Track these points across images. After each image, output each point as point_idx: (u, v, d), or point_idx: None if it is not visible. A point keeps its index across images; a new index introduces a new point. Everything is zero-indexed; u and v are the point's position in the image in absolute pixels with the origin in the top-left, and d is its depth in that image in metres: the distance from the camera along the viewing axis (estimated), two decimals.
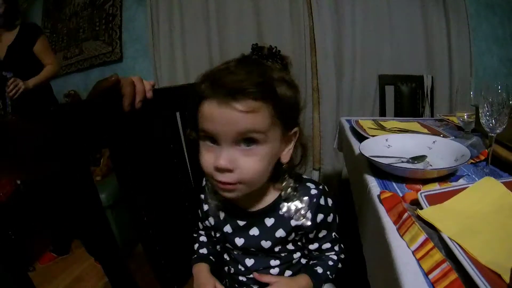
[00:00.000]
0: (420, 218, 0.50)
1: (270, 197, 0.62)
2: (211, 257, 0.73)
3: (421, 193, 0.56)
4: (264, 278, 0.64)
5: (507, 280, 0.36)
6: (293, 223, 0.60)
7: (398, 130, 1.06)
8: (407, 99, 1.67)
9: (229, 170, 0.51)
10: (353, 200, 0.86)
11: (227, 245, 0.67)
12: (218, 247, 0.72)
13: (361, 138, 0.95)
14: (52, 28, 2.51)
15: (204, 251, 0.74)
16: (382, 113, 1.71)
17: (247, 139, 0.51)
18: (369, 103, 1.93)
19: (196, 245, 0.75)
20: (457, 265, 0.40)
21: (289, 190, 0.60)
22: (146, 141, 0.69)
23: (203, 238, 0.76)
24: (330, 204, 0.63)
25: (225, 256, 0.70)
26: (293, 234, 0.62)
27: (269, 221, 0.61)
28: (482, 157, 0.77)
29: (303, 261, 0.68)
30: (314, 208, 0.60)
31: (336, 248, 0.68)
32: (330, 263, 0.67)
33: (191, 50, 2.08)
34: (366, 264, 0.63)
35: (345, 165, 1.31)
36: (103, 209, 0.60)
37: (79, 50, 2.41)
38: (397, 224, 0.51)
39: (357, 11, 1.83)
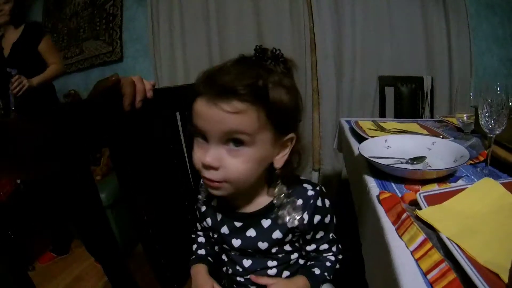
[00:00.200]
0: (419, 219, 0.50)
1: (265, 199, 0.62)
2: (209, 258, 0.73)
3: (420, 194, 0.56)
4: (261, 280, 0.64)
5: (506, 280, 0.36)
6: (289, 224, 0.60)
7: (397, 131, 1.06)
8: (407, 100, 1.68)
9: (214, 168, 0.52)
10: (353, 201, 0.87)
11: (225, 246, 0.67)
12: (216, 247, 0.72)
13: (360, 139, 0.95)
14: (53, 28, 2.51)
15: (202, 251, 0.74)
16: (382, 114, 1.71)
17: (234, 140, 0.51)
18: (369, 104, 1.93)
19: (194, 246, 0.75)
20: (455, 265, 0.40)
21: (281, 196, 0.59)
22: (146, 141, 0.69)
23: (201, 239, 0.76)
24: (327, 205, 0.62)
25: (223, 256, 0.70)
26: (290, 235, 0.62)
27: (266, 223, 0.61)
28: (481, 158, 0.77)
29: (301, 261, 0.68)
30: (311, 209, 0.60)
31: (334, 248, 0.68)
32: (328, 264, 0.67)
33: (191, 50, 2.09)
34: (364, 264, 0.63)
35: (344, 166, 1.31)
36: (104, 209, 0.60)
37: (80, 50, 2.42)
38: (396, 224, 0.52)
39: (357, 11, 1.84)
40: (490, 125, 0.68)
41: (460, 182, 0.68)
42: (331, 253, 0.68)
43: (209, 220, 0.68)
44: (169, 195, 0.76)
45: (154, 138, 0.72)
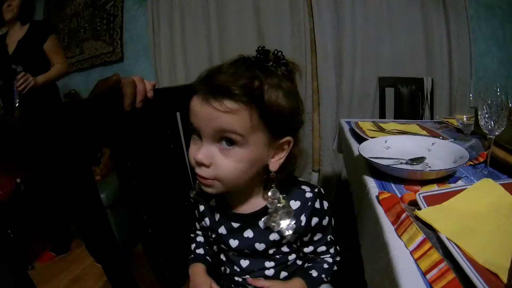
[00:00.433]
0: (418, 219, 0.51)
1: (262, 201, 0.61)
2: (207, 258, 0.73)
3: (419, 194, 0.56)
4: (258, 283, 0.64)
5: (505, 280, 0.36)
6: (280, 233, 0.60)
7: (397, 132, 1.06)
8: (407, 101, 1.68)
9: (206, 165, 0.53)
10: (353, 201, 0.87)
11: (222, 246, 0.67)
12: (214, 247, 0.73)
13: (360, 139, 0.96)
14: (53, 28, 2.51)
15: (201, 251, 0.74)
16: (382, 115, 1.71)
17: (226, 139, 0.51)
18: (369, 105, 1.94)
19: (193, 245, 0.76)
20: (454, 265, 0.40)
21: (274, 201, 0.58)
22: (147, 140, 0.69)
23: (200, 238, 0.76)
24: (326, 207, 0.62)
25: (222, 256, 0.70)
26: (287, 237, 0.62)
27: (263, 224, 0.61)
28: (481, 159, 0.78)
29: (299, 262, 0.68)
30: (309, 211, 0.59)
31: (332, 250, 0.68)
32: (325, 266, 0.67)
33: (191, 50, 2.09)
34: (364, 264, 0.63)
35: (344, 167, 1.31)
36: (104, 209, 0.60)
37: (80, 50, 2.42)
38: (395, 224, 0.52)
39: (358, 12, 1.84)
40: (489, 126, 0.68)
41: (459, 182, 0.68)
42: (328, 255, 0.68)
43: (207, 220, 0.68)
44: (169, 194, 0.76)
45: (154, 138, 0.72)
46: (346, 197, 1.00)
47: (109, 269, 0.57)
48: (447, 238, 0.44)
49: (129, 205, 0.66)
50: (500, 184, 0.58)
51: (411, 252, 0.45)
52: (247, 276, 0.66)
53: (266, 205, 0.60)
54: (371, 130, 1.08)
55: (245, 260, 0.65)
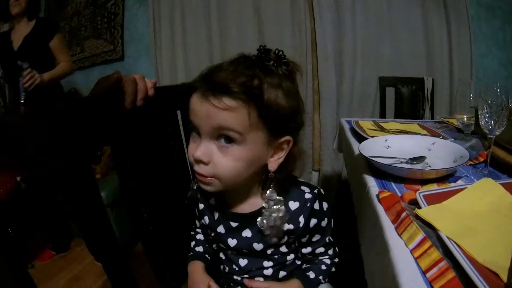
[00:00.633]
0: (418, 217, 0.51)
1: (260, 201, 0.61)
2: (206, 256, 0.73)
3: (419, 193, 0.56)
4: (254, 284, 0.64)
5: (505, 279, 0.36)
6: (285, 227, 0.59)
7: (397, 131, 1.06)
8: (407, 101, 1.68)
9: (204, 163, 0.53)
10: (353, 201, 0.87)
11: (221, 245, 0.67)
12: (214, 245, 0.73)
13: (361, 138, 0.96)
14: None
15: (200, 249, 0.74)
16: (382, 115, 1.71)
17: (225, 136, 0.51)
18: (369, 104, 1.94)
19: (193, 243, 0.76)
20: (454, 264, 0.40)
21: (271, 202, 0.58)
22: (147, 138, 0.69)
23: (200, 236, 0.76)
24: (325, 209, 0.62)
25: (221, 255, 0.70)
26: (286, 238, 0.62)
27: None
28: (481, 159, 0.78)
29: (298, 262, 0.68)
30: (307, 212, 0.59)
31: (330, 252, 0.68)
32: (323, 267, 0.67)
33: (192, 50, 2.09)
34: (364, 263, 0.63)
35: (344, 166, 1.31)
36: (105, 207, 0.60)
37: (81, 48, 2.42)
38: (395, 223, 0.52)
39: (358, 13, 1.84)
40: (490, 126, 0.68)
41: (459, 182, 0.68)
42: (327, 257, 0.68)
43: (206, 219, 0.68)
44: (169, 193, 0.76)
45: (155, 136, 0.72)
46: (346, 197, 1.00)
47: (109, 268, 0.57)
48: (447, 237, 0.44)
49: (130, 203, 0.66)
50: (500, 183, 0.58)
51: (411, 251, 0.45)
52: (246, 275, 0.66)
53: (262, 206, 0.60)
54: (372, 129, 1.08)
55: (243, 259, 0.66)
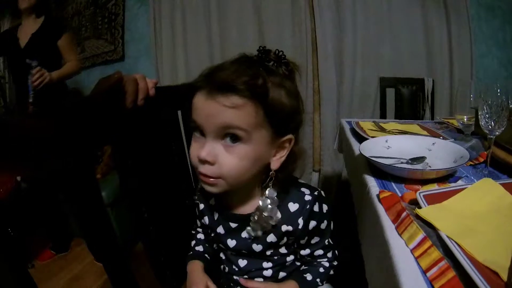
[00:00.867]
0: (418, 217, 0.51)
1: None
2: (206, 255, 0.73)
3: (419, 193, 0.56)
4: (251, 284, 0.64)
5: (505, 278, 0.36)
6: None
7: (398, 132, 1.06)
8: (408, 101, 1.68)
9: (210, 163, 0.52)
10: (353, 201, 0.87)
11: (221, 245, 0.67)
12: (214, 245, 0.73)
13: (361, 139, 0.96)
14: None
15: (200, 248, 0.74)
16: (383, 115, 1.72)
17: (231, 135, 0.51)
18: (369, 105, 1.94)
19: (193, 242, 0.76)
20: (454, 263, 0.40)
21: (267, 201, 0.58)
22: (148, 138, 0.69)
23: (200, 236, 0.76)
24: (324, 211, 0.61)
25: (221, 255, 0.70)
26: (285, 239, 0.62)
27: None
28: (481, 159, 0.78)
29: (298, 263, 0.68)
30: (307, 214, 0.59)
31: (329, 255, 0.67)
32: (321, 270, 0.67)
33: (192, 50, 2.09)
34: (364, 263, 0.63)
35: (345, 167, 1.31)
36: (105, 207, 0.60)
37: (81, 49, 2.42)
38: (395, 222, 0.52)
39: (359, 13, 1.84)
40: (490, 126, 0.68)
41: (460, 182, 0.68)
42: (325, 259, 0.68)
43: (206, 219, 0.68)
44: (170, 192, 0.76)
45: (155, 136, 0.73)
46: (347, 197, 1.00)
47: (110, 268, 0.57)
48: (447, 236, 0.44)
49: (130, 203, 0.66)
50: (500, 184, 0.58)
51: (412, 251, 0.45)
52: (245, 276, 0.66)
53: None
54: (372, 130, 1.08)
55: (243, 260, 0.66)
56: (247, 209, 0.62)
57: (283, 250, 0.64)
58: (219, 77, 0.50)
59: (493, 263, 0.39)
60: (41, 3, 1.65)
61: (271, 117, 0.51)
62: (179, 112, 0.79)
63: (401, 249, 0.46)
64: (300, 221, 0.59)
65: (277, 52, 0.56)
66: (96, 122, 0.54)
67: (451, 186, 0.64)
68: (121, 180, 0.64)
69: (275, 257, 0.64)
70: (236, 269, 0.66)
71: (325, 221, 0.62)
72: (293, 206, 0.60)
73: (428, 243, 0.44)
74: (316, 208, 0.60)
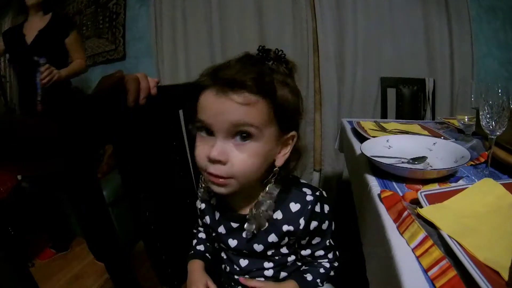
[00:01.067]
0: (419, 217, 0.51)
1: None
2: (207, 255, 0.73)
3: (421, 192, 0.57)
4: (250, 283, 0.64)
5: (506, 277, 0.36)
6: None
7: (399, 132, 1.06)
8: (409, 101, 1.68)
9: (221, 162, 0.51)
10: (353, 200, 0.87)
11: (222, 245, 0.67)
12: (216, 244, 0.73)
13: (362, 139, 0.96)
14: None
15: (201, 247, 0.74)
16: (384, 115, 1.71)
17: (242, 133, 0.51)
18: (370, 105, 1.94)
19: (195, 241, 0.76)
20: (455, 263, 0.40)
21: (266, 195, 0.58)
22: (149, 137, 0.69)
23: (201, 235, 0.76)
24: (326, 211, 0.61)
25: (222, 254, 0.70)
26: (286, 239, 0.62)
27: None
28: (482, 159, 0.78)
29: (299, 263, 0.68)
30: (308, 215, 0.59)
31: (330, 255, 0.67)
32: (322, 270, 0.67)
33: (193, 50, 2.09)
34: (365, 262, 0.63)
35: (345, 166, 1.31)
36: (107, 206, 0.60)
37: None
38: (397, 222, 0.52)
39: (360, 13, 1.84)
40: (491, 126, 0.68)
41: (460, 182, 0.68)
42: (326, 260, 0.67)
43: (207, 218, 0.68)
44: (171, 191, 0.76)
45: (157, 135, 0.73)
46: (347, 197, 1.00)
47: (111, 267, 0.57)
48: (448, 235, 0.44)
49: (132, 202, 0.66)
50: (501, 184, 0.58)
51: (413, 250, 0.45)
52: (246, 275, 0.66)
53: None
54: (373, 129, 1.08)
55: (244, 260, 0.66)
56: (248, 209, 0.61)
57: (284, 250, 0.64)
58: (228, 75, 0.49)
59: (494, 263, 0.39)
60: (49, 1, 1.64)
61: (278, 114, 0.52)
62: (181, 112, 0.79)
63: (402, 249, 0.46)
64: (302, 222, 0.59)
65: (276, 51, 0.56)
66: (98, 121, 0.54)
67: (452, 186, 0.64)
68: (122, 179, 0.64)
69: (276, 257, 0.64)
70: (237, 268, 0.66)
71: (327, 222, 0.62)
72: (294, 206, 0.59)
73: (429, 243, 0.44)
74: (317, 208, 0.60)
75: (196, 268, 0.69)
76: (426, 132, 1.06)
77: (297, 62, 0.59)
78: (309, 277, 0.65)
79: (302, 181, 0.65)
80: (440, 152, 0.79)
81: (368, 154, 0.74)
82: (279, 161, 0.57)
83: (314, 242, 0.64)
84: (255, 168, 0.53)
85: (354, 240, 0.77)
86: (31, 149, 0.44)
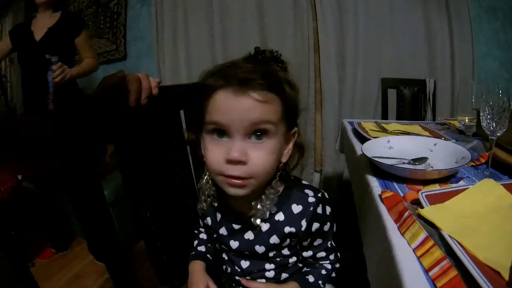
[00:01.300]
0: (420, 217, 0.51)
1: None
2: (208, 255, 0.73)
3: (422, 193, 0.57)
4: (252, 285, 0.65)
5: (507, 277, 0.37)
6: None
7: (399, 133, 1.06)
8: (409, 102, 1.68)
9: (242, 162, 0.51)
10: (354, 201, 0.87)
11: (223, 246, 0.67)
12: (217, 245, 0.73)
13: (363, 139, 0.96)
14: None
15: (202, 248, 0.74)
16: (384, 116, 1.72)
17: (258, 132, 0.51)
18: (371, 106, 1.94)
19: (196, 242, 0.76)
20: (456, 262, 0.40)
21: (271, 190, 0.58)
22: (151, 137, 0.70)
23: (203, 236, 0.76)
24: (327, 213, 0.61)
25: (223, 255, 0.70)
26: (287, 240, 0.62)
27: (264, 227, 0.60)
28: (483, 160, 0.78)
29: (301, 264, 0.69)
30: (310, 216, 0.59)
31: (332, 257, 0.67)
32: (323, 272, 0.67)
33: (194, 50, 2.10)
34: (366, 263, 0.63)
35: (346, 167, 1.31)
36: (108, 206, 0.60)
37: None
38: (398, 222, 0.52)
39: (360, 14, 1.84)
40: (491, 127, 0.68)
41: (461, 182, 0.68)
42: (327, 261, 0.68)
43: (209, 220, 0.68)
44: (172, 192, 0.77)
45: (158, 135, 0.73)
46: (348, 197, 1.00)
47: (112, 267, 0.58)
48: (449, 236, 0.44)
49: (133, 202, 0.66)
50: (502, 184, 0.59)
51: (414, 250, 0.45)
52: (248, 277, 0.66)
53: None
54: (374, 130, 1.08)
55: (245, 261, 0.66)
56: (250, 210, 0.61)
57: (285, 251, 0.64)
58: (242, 74, 0.49)
59: (494, 262, 0.39)
60: None
61: (287, 110, 0.53)
62: (181, 112, 0.79)
63: (403, 249, 0.46)
64: (303, 223, 0.59)
65: (272, 51, 0.58)
66: (99, 121, 0.54)
67: (452, 186, 0.64)
68: (124, 179, 0.64)
69: (278, 259, 0.64)
70: (239, 270, 0.66)
71: (328, 223, 0.62)
72: (296, 208, 0.59)
73: (430, 243, 0.44)
74: (319, 210, 0.60)
75: (197, 268, 0.69)
76: (426, 133, 1.06)
77: (296, 60, 0.60)
78: (310, 278, 0.65)
79: (304, 182, 0.65)
80: (441, 153, 0.79)
81: (369, 154, 0.74)
82: (285, 157, 0.58)
83: (315, 243, 0.64)
84: (272, 165, 0.54)
85: (354, 240, 0.77)
86: (28, 148, 0.44)
